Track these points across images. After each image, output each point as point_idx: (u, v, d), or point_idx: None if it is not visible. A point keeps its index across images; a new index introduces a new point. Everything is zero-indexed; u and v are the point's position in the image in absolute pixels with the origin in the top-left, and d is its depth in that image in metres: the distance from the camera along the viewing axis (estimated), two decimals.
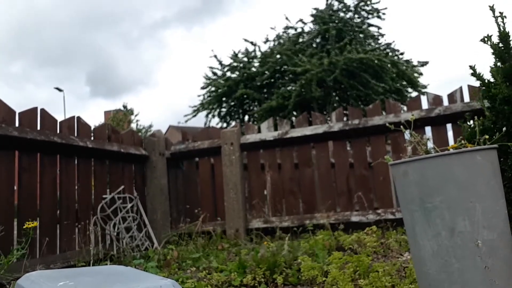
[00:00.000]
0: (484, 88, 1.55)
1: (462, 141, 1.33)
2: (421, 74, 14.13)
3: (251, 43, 14.11)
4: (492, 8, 1.58)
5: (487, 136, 1.32)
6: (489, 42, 1.60)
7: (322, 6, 14.76)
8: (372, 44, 14.02)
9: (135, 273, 1.11)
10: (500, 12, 1.58)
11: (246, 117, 14.38)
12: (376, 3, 14.36)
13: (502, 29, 1.59)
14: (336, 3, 14.41)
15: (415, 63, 14.24)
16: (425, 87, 13.72)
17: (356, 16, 14.45)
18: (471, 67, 1.60)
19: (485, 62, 1.65)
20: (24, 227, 1.54)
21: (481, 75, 1.57)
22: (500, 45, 1.58)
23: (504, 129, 1.38)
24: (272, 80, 13.27)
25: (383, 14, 14.34)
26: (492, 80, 1.55)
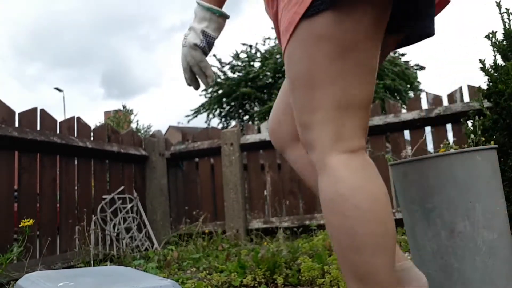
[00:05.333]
0: (491, 84, 1.53)
1: (453, 144, 1.33)
2: (418, 70, 14.19)
3: (250, 46, 14.11)
4: (498, 5, 1.57)
5: (483, 138, 1.32)
6: (493, 39, 1.59)
7: None
8: None
9: (135, 273, 1.11)
10: (506, 9, 1.57)
11: (246, 117, 14.38)
12: None
13: (507, 26, 1.58)
14: None
15: (413, 66, 14.30)
16: (421, 90, 13.80)
17: None
18: (481, 61, 1.58)
19: (481, 63, 1.64)
20: (20, 225, 1.54)
21: (489, 71, 1.56)
22: (504, 42, 1.58)
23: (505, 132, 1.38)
24: (273, 81, 13.27)
25: None
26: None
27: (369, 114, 0.89)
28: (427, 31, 1.01)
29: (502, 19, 1.58)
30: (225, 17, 1.05)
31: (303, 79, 0.86)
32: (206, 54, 1.04)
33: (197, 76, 1.07)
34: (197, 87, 1.10)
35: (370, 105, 0.89)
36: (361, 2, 0.82)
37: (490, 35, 1.59)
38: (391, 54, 14.24)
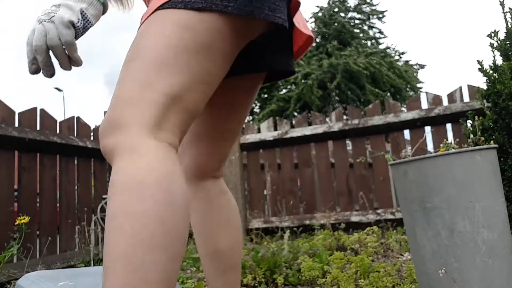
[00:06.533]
0: (489, 84, 1.54)
1: (454, 144, 1.33)
2: (418, 69, 14.22)
3: None
4: (502, 4, 1.57)
5: (482, 138, 1.32)
6: (495, 38, 1.59)
7: (324, 4, 14.80)
8: (374, 44, 14.04)
9: None
10: (510, 8, 1.57)
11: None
12: (376, 5, 14.39)
13: (510, 25, 1.58)
14: (337, 3, 14.43)
15: (413, 65, 14.33)
16: (419, 89, 13.82)
17: (358, 15, 14.49)
18: (479, 62, 1.58)
19: (479, 66, 1.64)
20: (16, 223, 1.53)
21: (487, 71, 1.56)
22: (507, 42, 1.57)
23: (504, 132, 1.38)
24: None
25: (384, 16, 14.40)
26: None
27: (191, 124, 0.84)
28: (290, 69, 1.07)
29: (505, 18, 1.57)
30: (105, 7, 0.90)
31: (151, 54, 0.79)
32: (76, 39, 0.85)
33: (56, 60, 0.85)
34: (52, 74, 0.87)
35: (195, 116, 0.84)
36: (220, 12, 0.81)
37: (492, 34, 1.58)
38: (392, 56, 14.25)
